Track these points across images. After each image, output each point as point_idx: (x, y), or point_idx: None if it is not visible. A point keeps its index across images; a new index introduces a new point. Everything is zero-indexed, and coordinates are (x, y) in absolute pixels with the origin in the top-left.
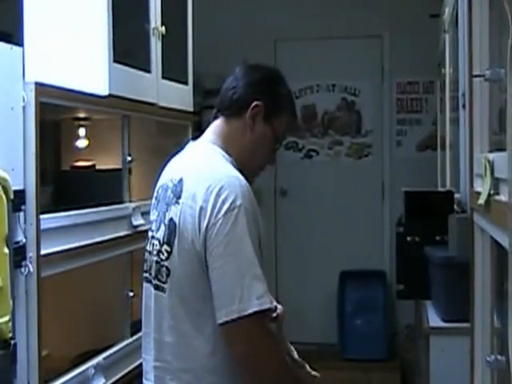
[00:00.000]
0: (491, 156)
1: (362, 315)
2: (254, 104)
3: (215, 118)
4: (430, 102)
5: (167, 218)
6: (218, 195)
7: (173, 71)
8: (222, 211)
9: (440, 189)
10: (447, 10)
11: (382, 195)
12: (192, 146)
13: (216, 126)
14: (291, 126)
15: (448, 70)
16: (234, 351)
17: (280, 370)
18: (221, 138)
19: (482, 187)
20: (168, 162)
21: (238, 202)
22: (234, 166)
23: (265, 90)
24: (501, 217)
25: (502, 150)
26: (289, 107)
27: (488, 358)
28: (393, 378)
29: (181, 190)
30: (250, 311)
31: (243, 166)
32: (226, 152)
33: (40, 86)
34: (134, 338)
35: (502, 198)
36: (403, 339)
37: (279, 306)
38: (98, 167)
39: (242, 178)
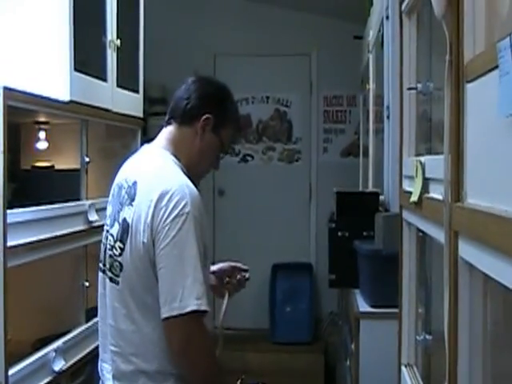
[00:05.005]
0: (423, 159)
1: (291, 303)
2: (205, 116)
3: (168, 123)
4: (353, 114)
5: (121, 218)
6: (169, 201)
7: (126, 80)
8: (172, 216)
9: (365, 190)
10: (371, 33)
11: (309, 196)
12: (147, 150)
13: (168, 133)
14: (236, 137)
15: (372, 85)
16: (171, 346)
17: (211, 369)
18: (172, 143)
19: (414, 187)
20: (124, 162)
21: (187, 209)
22: (183, 172)
23: (215, 105)
24: (433, 212)
25: (431, 153)
26: (235, 121)
27: (418, 338)
28: (317, 358)
29: (134, 193)
30: (189, 309)
31: (191, 169)
32: (176, 157)
33: (8, 91)
34: (90, 324)
35: (433, 195)
36: (327, 324)
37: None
38: (56, 168)
39: (192, 186)
